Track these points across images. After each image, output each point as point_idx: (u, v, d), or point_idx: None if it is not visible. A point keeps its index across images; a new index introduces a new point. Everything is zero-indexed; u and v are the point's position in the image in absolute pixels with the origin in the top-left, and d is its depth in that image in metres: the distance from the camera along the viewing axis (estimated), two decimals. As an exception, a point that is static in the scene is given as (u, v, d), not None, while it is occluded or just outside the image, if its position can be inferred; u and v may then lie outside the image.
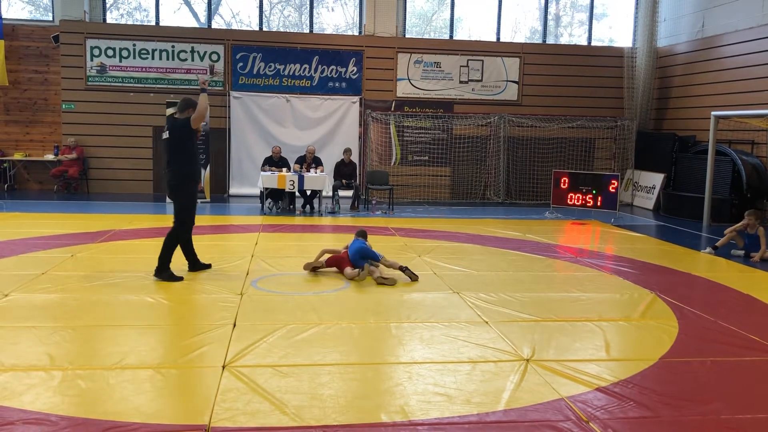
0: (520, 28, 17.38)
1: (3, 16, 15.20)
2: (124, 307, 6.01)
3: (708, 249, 9.70)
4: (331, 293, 6.77)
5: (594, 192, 13.05)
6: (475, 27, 17.12)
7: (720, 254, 9.48)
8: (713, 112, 12.93)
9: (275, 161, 13.43)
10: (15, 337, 5.05)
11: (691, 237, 11.49)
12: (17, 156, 15.23)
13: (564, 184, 13.42)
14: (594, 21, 17.31)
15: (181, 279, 7.00)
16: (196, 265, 7.44)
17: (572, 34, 17.81)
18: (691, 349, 5.29)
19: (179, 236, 7.20)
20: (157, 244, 8.91)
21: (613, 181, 12.92)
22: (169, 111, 13.79)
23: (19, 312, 5.72)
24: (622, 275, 7.95)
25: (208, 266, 7.54)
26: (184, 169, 7.11)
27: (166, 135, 7.14)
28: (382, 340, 5.34)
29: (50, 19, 15.49)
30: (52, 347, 4.87)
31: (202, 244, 8.99)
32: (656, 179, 15.55)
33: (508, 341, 5.28)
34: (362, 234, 7.96)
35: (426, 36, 17.10)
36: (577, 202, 13.26)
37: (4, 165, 15.15)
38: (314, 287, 7.02)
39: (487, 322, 5.79)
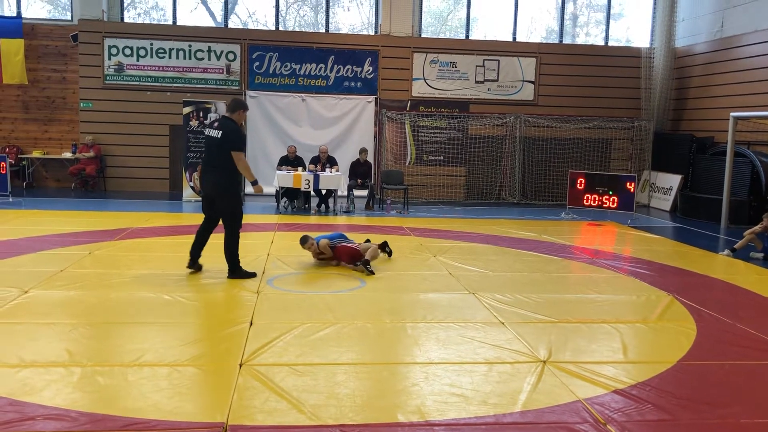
0: (537, 28, 17.32)
1: (23, 16, 15.36)
2: (142, 304, 6.05)
3: (726, 251, 9.61)
4: (346, 293, 6.77)
5: (610, 193, 12.97)
6: (491, 27, 17.09)
7: (738, 256, 9.38)
8: (732, 113, 12.81)
9: (291, 160, 13.47)
10: (34, 334, 5.11)
11: (709, 239, 11.39)
12: (36, 154, 15.39)
13: (580, 185, 13.35)
14: (611, 21, 17.21)
15: (254, 275, 7.09)
16: (195, 263, 7.28)
17: (588, 34, 17.72)
18: (710, 352, 5.25)
19: (237, 237, 7.08)
20: (173, 242, 9.07)
21: (629, 182, 12.83)
22: (186, 110, 13.93)
23: (39, 308, 5.78)
24: (639, 277, 7.89)
25: (200, 268, 7.31)
26: (235, 174, 6.93)
27: (217, 134, 6.86)
28: (398, 340, 5.34)
29: (69, 18, 15.63)
30: (71, 344, 4.91)
31: (219, 243, 9.05)
32: (673, 180, 15.43)
33: (524, 342, 5.26)
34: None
35: (441, 36, 17.08)
36: (594, 203, 13.19)
37: (23, 163, 15.31)
38: (330, 286, 7.03)
39: (503, 323, 5.77)
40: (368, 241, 8.59)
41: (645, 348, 5.44)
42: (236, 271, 7.06)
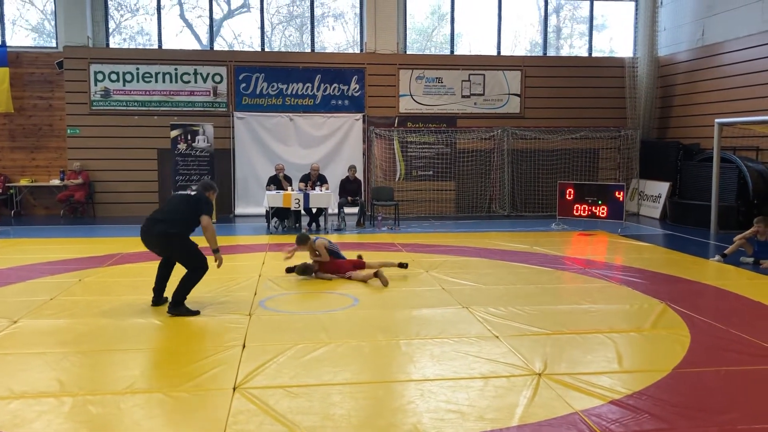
0: (521, 41, 17.46)
1: (7, 44, 15.34)
2: (133, 330, 6.00)
3: (717, 257, 9.64)
4: (339, 311, 6.74)
5: (600, 202, 13.02)
6: (476, 42, 17.20)
7: (729, 262, 9.42)
8: (717, 120, 12.92)
9: (279, 179, 13.46)
10: (25, 364, 5.05)
11: (699, 245, 11.44)
12: (23, 182, 15.31)
13: (569, 196, 13.39)
14: (594, 32, 17.38)
15: (198, 313, 6.51)
16: (159, 300, 6.92)
17: (572, 46, 17.88)
18: (705, 359, 5.25)
19: (196, 276, 6.69)
20: (164, 266, 8.97)
21: (618, 192, 12.89)
22: (174, 133, 13.91)
23: (29, 338, 5.72)
24: (632, 286, 7.90)
25: (165, 300, 6.88)
26: (188, 230, 6.75)
27: (191, 193, 7.01)
28: (393, 358, 5.31)
29: (54, 45, 15.62)
30: (61, 373, 4.85)
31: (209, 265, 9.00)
32: (662, 188, 15.51)
33: (519, 356, 5.25)
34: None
35: (427, 52, 17.18)
36: (583, 213, 13.23)
37: (11, 191, 15.22)
38: (323, 306, 7.00)
39: (497, 337, 5.75)
40: (360, 257, 8.65)
41: (640, 357, 5.43)
42: (178, 307, 6.51)
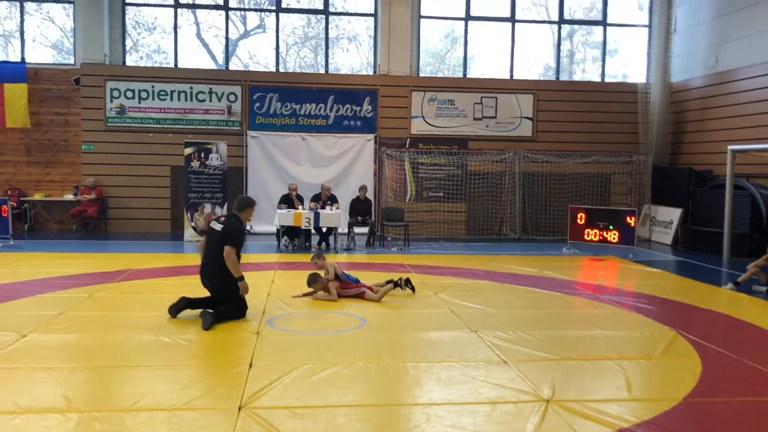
0: (534, 65, 17.51)
1: (27, 60, 15.57)
2: (141, 347, 6.00)
3: (729, 285, 9.55)
4: (347, 332, 6.73)
5: (611, 227, 12.96)
6: (489, 65, 17.27)
7: (742, 290, 9.32)
8: (730, 146, 12.87)
9: (291, 198, 13.51)
10: (32, 379, 5.05)
11: (711, 273, 11.34)
12: (37, 196, 15.44)
13: (581, 220, 13.34)
14: (607, 57, 17.42)
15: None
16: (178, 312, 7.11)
17: (585, 70, 17.91)
18: (716, 389, 5.18)
19: (232, 316, 7.02)
20: (173, 283, 9.04)
21: (629, 217, 12.83)
22: (188, 150, 14.01)
23: (37, 353, 5.73)
24: (642, 312, 7.84)
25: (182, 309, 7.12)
26: (222, 272, 6.96)
27: (219, 228, 7.07)
28: (399, 381, 5.28)
29: (72, 62, 15.83)
30: (68, 389, 4.86)
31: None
32: (674, 214, 15.43)
33: (527, 381, 5.20)
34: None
35: (439, 74, 17.28)
36: (595, 237, 13.16)
37: (25, 205, 15.35)
38: (330, 326, 6.98)
39: (505, 362, 5.71)
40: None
41: (650, 385, 5.37)
42: (211, 318, 6.69)
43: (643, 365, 5.76)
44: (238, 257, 7.08)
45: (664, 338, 6.63)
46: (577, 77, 17.67)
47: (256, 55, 16.86)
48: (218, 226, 7.12)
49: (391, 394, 5.02)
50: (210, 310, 6.78)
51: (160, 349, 5.94)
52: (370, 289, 8.33)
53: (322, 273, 8.32)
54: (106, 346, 6.02)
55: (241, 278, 6.99)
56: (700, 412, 4.67)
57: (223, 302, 7.03)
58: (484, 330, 6.76)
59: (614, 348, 6.25)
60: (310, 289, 8.29)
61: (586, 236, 13.26)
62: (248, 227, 15.19)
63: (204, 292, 7.27)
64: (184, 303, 7.08)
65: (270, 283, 9.23)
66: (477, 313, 7.61)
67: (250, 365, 5.45)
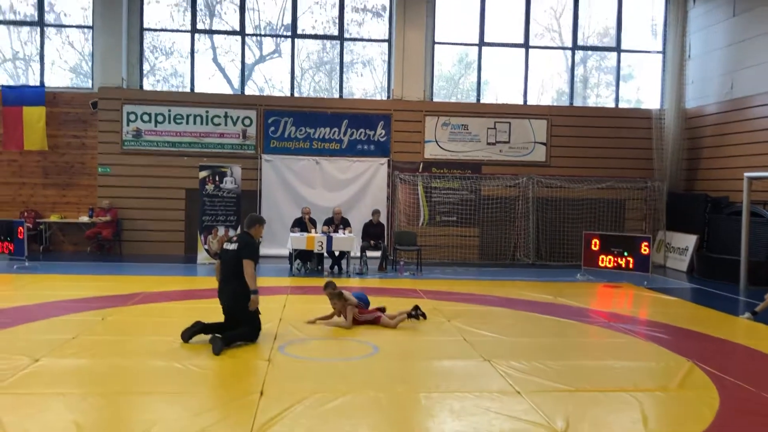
0: (547, 90, 17.55)
1: (46, 84, 15.81)
2: (152, 373, 6.00)
3: (747, 314, 9.42)
4: (358, 360, 6.69)
5: (625, 254, 12.85)
6: (502, 90, 17.34)
7: (759, 320, 9.18)
8: (746, 174, 12.77)
9: (304, 222, 13.53)
10: (44, 405, 5.06)
11: (728, 301, 11.21)
12: (53, 218, 15.57)
13: (595, 246, 13.24)
14: (621, 82, 17.41)
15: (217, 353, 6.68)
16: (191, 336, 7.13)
17: (599, 95, 17.91)
18: (734, 425, 5.09)
19: (246, 338, 7.10)
20: (185, 306, 9.05)
21: (644, 243, 12.72)
22: (202, 174, 14.11)
23: (49, 378, 5.74)
24: (658, 342, 7.74)
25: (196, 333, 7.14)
26: (244, 290, 7.03)
27: (234, 246, 7.14)
28: (412, 412, 5.23)
29: (89, 86, 16.05)
30: (79, 415, 4.86)
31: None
32: (689, 240, 15.29)
33: (541, 413, 5.13)
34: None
35: (453, 98, 17.34)
36: (609, 264, 13.05)
37: (41, 227, 15.49)
38: (342, 353, 6.95)
39: (519, 393, 5.64)
40: (383, 309, 8.49)
41: (666, 419, 5.28)
42: (222, 343, 6.70)
43: (659, 398, 5.67)
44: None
45: (681, 369, 6.53)
46: (590, 102, 17.67)
47: (271, 79, 17.02)
48: (232, 245, 7.20)
49: (403, 426, 4.97)
50: (219, 335, 6.80)
51: (171, 376, 5.93)
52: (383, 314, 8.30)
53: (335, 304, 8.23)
54: (118, 371, 6.02)
55: (255, 291, 7.02)
56: (718, 448, 4.59)
57: (241, 321, 7.06)
58: (497, 359, 6.69)
59: (629, 379, 6.17)
60: (326, 315, 8.25)
61: (600, 262, 13.15)
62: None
63: (218, 317, 7.28)
64: (199, 327, 7.10)
65: (282, 307, 9.21)
66: (490, 341, 7.55)
67: (261, 393, 5.43)
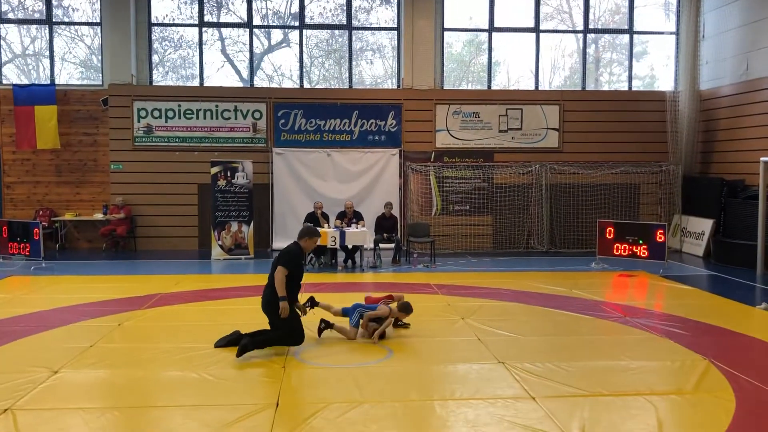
0: (559, 71, 17.36)
1: (56, 82, 15.86)
2: (169, 384, 6.05)
3: (763, 305, 9.35)
4: (373, 364, 6.69)
5: (641, 242, 12.75)
6: (513, 74, 17.18)
7: (776, 310, 9.12)
8: (763, 158, 12.60)
9: (317, 217, 13.54)
10: (62, 422, 5.12)
11: (745, 288, 11.12)
12: (68, 216, 15.70)
13: (609, 234, 13.15)
14: (634, 60, 17.13)
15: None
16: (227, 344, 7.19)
17: (612, 73, 17.68)
18: (751, 429, 5.05)
19: (275, 342, 7.07)
20: (201, 309, 9.11)
21: (660, 231, 12.62)
22: (214, 170, 14.13)
23: (67, 391, 5.81)
24: (673, 337, 7.69)
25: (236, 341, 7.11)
26: (289, 292, 7.04)
27: (277, 253, 7.24)
28: (427, 421, 5.24)
29: (99, 83, 16.08)
30: (98, 433, 4.91)
31: (244, 308, 9.11)
32: (705, 225, 15.16)
33: (556, 421, 5.13)
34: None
35: (464, 82, 17.21)
36: (624, 252, 12.96)
37: (56, 225, 15.62)
38: (357, 358, 6.95)
39: (533, 399, 5.64)
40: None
41: (682, 425, 5.25)
42: (246, 348, 6.78)
43: (675, 401, 5.65)
44: (298, 286, 7.20)
45: (696, 369, 6.50)
46: (603, 81, 17.46)
47: (281, 67, 16.95)
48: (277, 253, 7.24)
49: (417, 437, 4.99)
50: (249, 336, 6.88)
51: (187, 387, 5.97)
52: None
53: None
54: (135, 383, 6.08)
55: (284, 298, 6.94)
56: (735, 458, 4.57)
57: (277, 326, 7.04)
58: (511, 360, 6.69)
59: (644, 381, 6.14)
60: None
61: (615, 251, 13.07)
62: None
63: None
64: (237, 337, 7.08)
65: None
66: (504, 340, 7.54)
67: (277, 404, 5.46)
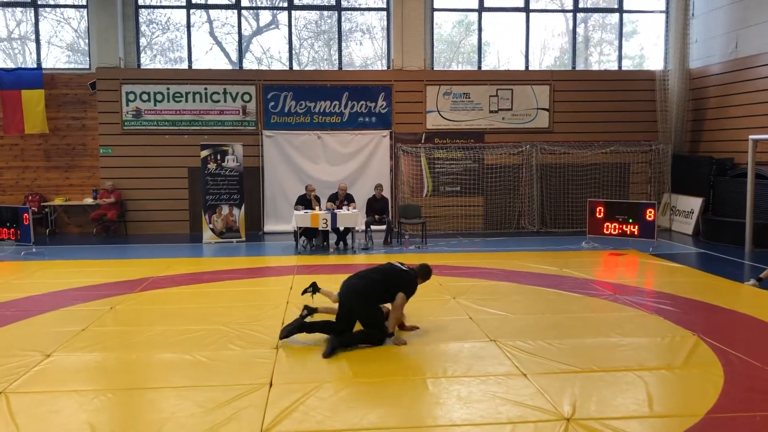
0: (549, 51, 17.33)
1: (43, 66, 15.70)
2: (163, 366, 6.07)
3: (752, 281, 9.44)
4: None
5: (631, 221, 12.83)
6: (503, 54, 17.14)
7: (765, 286, 9.20)
8: (751, 136, 12.66)
9: (308, 199, 13.53)
10: (55, 404, 5.13)
11: (734, 265, 11.22)
12: (58, 201, 15.62)
13: (599, 214, 13.22)
14: (624, 40, 17.13)
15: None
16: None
17: (602, 53, 17.67)
18: (739, 403, 5.13)
19: (376, 340, 6.69)
20: (193, 291, 9.10)
21: (650, 209, 12.69)
22: (204, 153, 14.07)
23: (60, 375, 5.82)
24: (663, 314, 7.77)
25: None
26: (383, 302, 6.88)
27: (405, 268, 6.97)
28: (420, 399, 5.28)
29: (87, 66, 15.93)
30: (92, 414, 4.93)
31: (237, 290, 9.13)
32: (694, 203, 15.25)
33: (547, 397, 5.19)
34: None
35: (454, 63, 17.16)
36: (614, 231, 13.04)
37: (46, 210, 15.54)
38: (349, 338, 6.98)
39: (525, 375, 5.70)
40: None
41: (671, 399, 5.32)
42: (336, 350, 6.42)
43: (665, 376, 5.72)
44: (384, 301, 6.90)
45: (686, 345, 6.57)
46: (593, 60, 17.45)
47: (270, 49, 16.84)
48: (404, 267, 6.98)
49: (412, 414, 5.01)
50: (336, 336, 6.55)
51: (181, 368, 5.99)
52: None
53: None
54: (129, 365, 6.10)
55: (391, 334, 6.73)
56: (722, 429, 4.63)
57: (364, 324, 6.76)
58: (503, 339, 6.75)
59: (635, 357, 6.21)
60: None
61: (605, 230, 13.14)
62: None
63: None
64: (298, 326, 6.75)
65: (288, 289, 9.24)
66: (496, 319, 7.60)
67: (270, 384, 5.49)
